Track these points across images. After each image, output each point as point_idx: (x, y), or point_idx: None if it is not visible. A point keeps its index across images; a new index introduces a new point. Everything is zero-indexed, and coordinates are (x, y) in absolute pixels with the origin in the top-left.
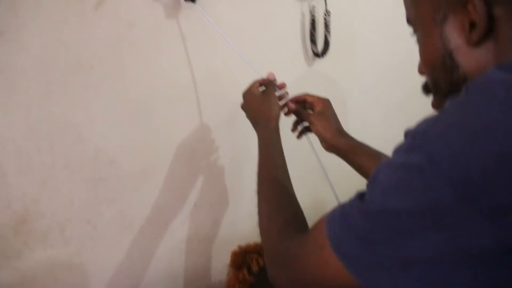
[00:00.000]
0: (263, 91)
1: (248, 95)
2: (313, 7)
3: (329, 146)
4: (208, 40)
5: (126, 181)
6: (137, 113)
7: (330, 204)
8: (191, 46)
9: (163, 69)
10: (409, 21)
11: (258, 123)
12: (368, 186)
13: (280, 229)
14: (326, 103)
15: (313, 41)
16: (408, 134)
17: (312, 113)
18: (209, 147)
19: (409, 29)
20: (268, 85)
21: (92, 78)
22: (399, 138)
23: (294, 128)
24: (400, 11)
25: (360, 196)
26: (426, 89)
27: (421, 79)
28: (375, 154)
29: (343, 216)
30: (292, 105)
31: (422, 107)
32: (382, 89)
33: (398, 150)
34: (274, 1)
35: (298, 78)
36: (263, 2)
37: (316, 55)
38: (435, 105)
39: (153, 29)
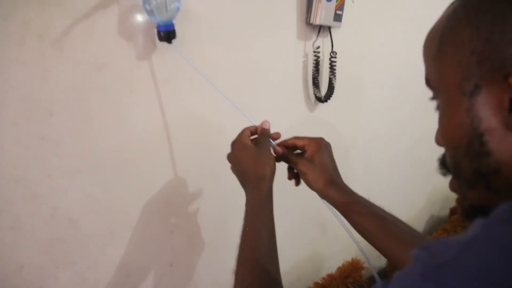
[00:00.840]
0: (257, 143)
1: (238, 145)
2: (318, 47)
3: (322, 197)
4: (190, 84)
5: (89, 241)
6: (105, 166)
7: (328, 258)
8: (169, 90)
9: (136, 116)
10: (428, 82)
11: (247, 182)
12: None
13: None
14: (318, 145)
15: (316, 84)
16: (427, 253)
17: (301, 160)
18: (189, 201)
19: (420, 71)
20: (262, 135)
21: (51, 128)
22: (407, 184)
23: (290, 176)
24: (411, 51)
25: None
26: (444, 166)
27: (433, 125)
28: (373, 213)
29: None
30: (279, 149)
31: (432, 152)
32: (391, 135)
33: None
34: (273, 39)
35: (297, 125)
36: (261, 41)
37: (319, 99)
38: (453, 187)
39: (125, 72)
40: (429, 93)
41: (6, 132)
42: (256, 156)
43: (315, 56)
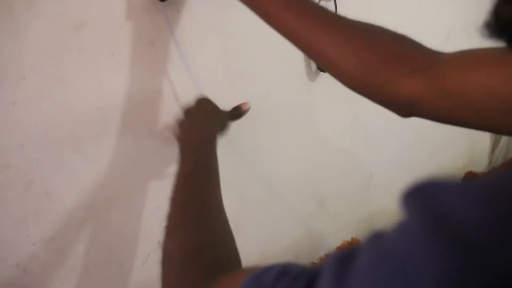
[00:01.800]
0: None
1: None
2: None
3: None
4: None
5: (68, 216)
6: (83, 135)
7: (326, 237)
8: (155, 54)
9: (118, 81)
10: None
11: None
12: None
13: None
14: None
15: None
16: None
17: None
18: None
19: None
20: None
21: (23, 92)
22: (411, 161)
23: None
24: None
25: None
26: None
27: None
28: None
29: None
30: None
31: (437, 128)
32: None
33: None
34: None
35: (297, 95)
36: None
37: (320, 69)
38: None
39: (106, 32)
40: None
41: None
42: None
43: None
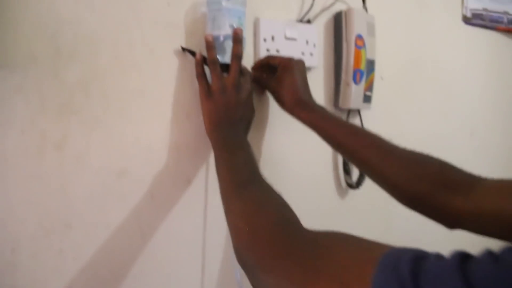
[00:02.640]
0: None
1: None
2: None
3: (291, 115)
4: None
5: None
6: (124, 277)
7: None
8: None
9: (157, 220)
10: None
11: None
12: (487, 266)
13: (276, 217)
14: (288, 64)
15: (346, 171)
16: None
17: (271, 81)
18: None
19: (458, 149)
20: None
21: (70, 240)
22: None
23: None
24: (446, 126)
25: (462, 261)
26: None
27: None
28: (338, 124)
29: (416, 275)
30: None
31: None
32: None
33: None
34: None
35: (328, 212)
36: (288, 129)
37: (350, 186)
38: None
39: (145, 177)
40: None
41: (23, 248)
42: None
43: None
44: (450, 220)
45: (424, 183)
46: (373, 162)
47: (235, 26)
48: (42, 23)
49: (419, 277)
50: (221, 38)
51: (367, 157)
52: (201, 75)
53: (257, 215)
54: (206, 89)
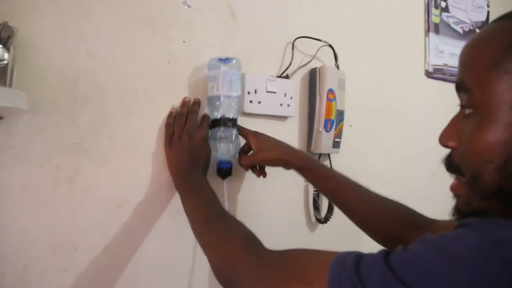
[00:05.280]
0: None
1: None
2: None
3: (287, 167)
4: None
5: None
6: None
7: None
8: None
9: (153, 248)
10: (463, 87)
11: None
12: (400, 253)
13: (244, 241)
14: (257, 133)
15: (316, 207)
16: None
17: (257, 153)
18: None
19: (420, 187)
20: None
21: (75, 261)
22: None
23: (257, 173)
24: (408, 167)
25: (386, 255)
26: (452, 167)
27: None
28: (330, 174)
29: (357, 267)
30: (245, 161)
31: None
32: None
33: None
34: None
35: (300, 244)
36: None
37: (319, 221)
38: (457, 190)
39: (143, 207)
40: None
41: (33, 266)
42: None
43: None
44: None
45: (398, 225)
46: (353, 205)
47: (232, 87)
48: (63, 75)
49: (359, 267)
50: (220, 98)
51: (348, 200)
52: (167, 125)
53: (229, 243)
54: (167, 139)
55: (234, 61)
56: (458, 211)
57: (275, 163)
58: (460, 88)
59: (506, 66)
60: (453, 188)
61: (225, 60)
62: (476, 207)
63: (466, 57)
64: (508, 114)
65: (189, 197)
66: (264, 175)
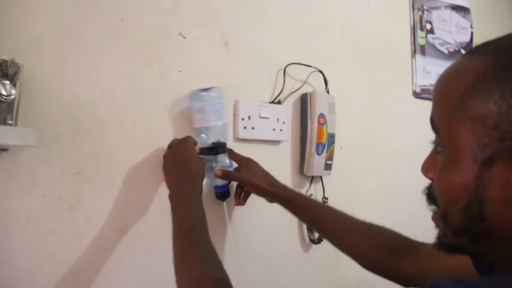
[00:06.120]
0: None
1: (185, 147)
2: (311, 194)
3: (271, 197)
4: None
5: None
6: None
7: None
8: None
9: (152, 272)
10: (433, 124)
11: (184, 179)
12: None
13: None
14: (248, 160)
15: (309, 228)
16: None
17: (243, 174)
18: None
19: (408, 206)
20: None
21: (77, 286)
22: None
23: (237, 200)
24: (398, 184)
25: None
26: (431, 198)
27: None
28: (312, 204)
29: None
30: (219, 172)
31: None
32: None
33: None
34: None
35: (295, 263)
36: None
37: (313, 241)
38: (435, 220)
39: (142, 232)
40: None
41: None
42: (198, 160)
43: None
44: (403, 280)
45: (383, 250)
46: (338, 233)
47: (220, 115)
48: (65, 107)
49: None
50: (208, 128)
51: (332, 228)
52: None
53: (202, 284)
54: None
55: (215, 89)
56: (438, 242)
57: (259, 191)
58: (431, 124)
59: (465, 110)
60: (433, 218)
61: (207, 90)
62: (451, 241)
63: (436, 94)
64: (468, 159)
65: (178, 214)
66: (243, 204)
